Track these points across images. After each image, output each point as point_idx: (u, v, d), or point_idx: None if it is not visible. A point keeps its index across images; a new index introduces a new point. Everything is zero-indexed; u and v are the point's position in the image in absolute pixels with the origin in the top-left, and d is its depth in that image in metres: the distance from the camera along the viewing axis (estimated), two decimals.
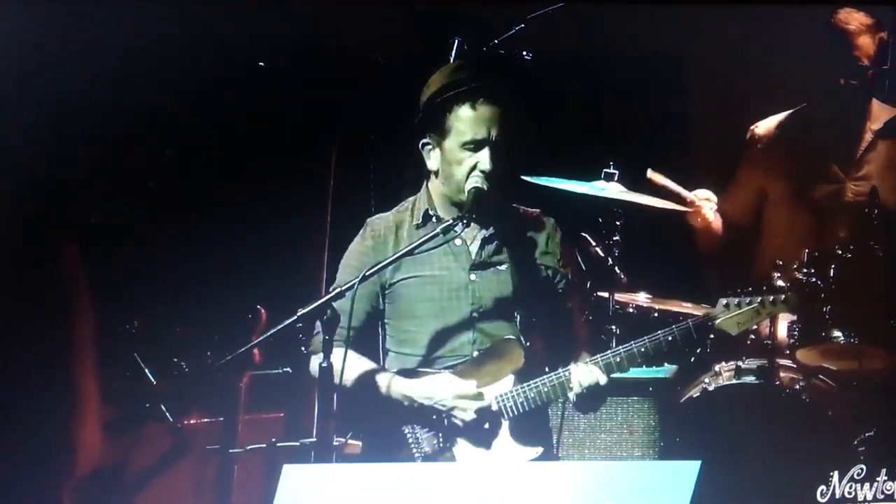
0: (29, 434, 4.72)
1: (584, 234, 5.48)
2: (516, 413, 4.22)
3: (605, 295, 5.36)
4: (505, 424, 4.21)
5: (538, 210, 4.48)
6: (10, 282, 5.16)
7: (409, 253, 4.23)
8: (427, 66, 5.82)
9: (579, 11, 5.84)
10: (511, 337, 4.26)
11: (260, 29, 5.94)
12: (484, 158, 4.26)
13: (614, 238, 5.43)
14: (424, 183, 4.43)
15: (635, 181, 5.51)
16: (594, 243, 5.45)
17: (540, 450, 4.24)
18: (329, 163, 5.96)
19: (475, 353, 4.26)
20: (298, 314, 4.13)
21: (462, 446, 4.23)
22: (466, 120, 4.26)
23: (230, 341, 4.67)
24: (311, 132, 5.97)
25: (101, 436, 4.84)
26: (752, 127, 5.52)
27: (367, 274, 4.17)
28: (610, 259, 5.39)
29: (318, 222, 5.93)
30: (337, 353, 4.19)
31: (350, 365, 4.21)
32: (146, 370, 5.23)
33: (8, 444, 4.71)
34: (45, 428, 4.69)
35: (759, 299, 4.25)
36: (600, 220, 5.45)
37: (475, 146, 4.27)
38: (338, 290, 4.16)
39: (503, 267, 4.32)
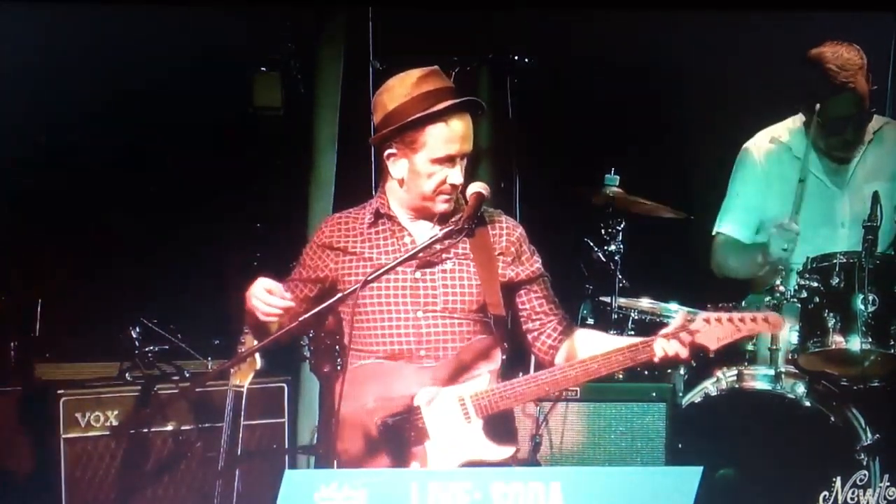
0: None
1: (586, 239, 5.48)
2: (490, 412, 4.19)
3: (608, 300, 5.36)
4: (478, 423, 4.19)
5: (500, 210, 4.41)
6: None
7: (416, 255, 4.21)
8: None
9: (582, 17, 5.85)
10: (487, 337, 4.24)
11: (262, 33, 5.95)
12: (454, 173, 4.21)
13: (616, 243, 5.43)
14: (382, 183, 4.36)
15: (636, 186, 5.51)
16: (596, 248, 5.44)
17: (512, 450, 4.22)
18: (331, 168, 5.97)
19: (448, 354, 4.22)
20: (300, 319, 4.12)
21: (435, 441, 4.20)
22: (439, 137, 4.18)
23: (231, 346, 4.66)
24: (312, 137, 5.98)
25: None
26: (745, 144, 5.49)
27: (369, 279, 4.15)
28: (612, 264, 5.39)
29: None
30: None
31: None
32: (147, 375, 5.23)
33: None
34: None
35: (740, 316, 4.18)
36: (602, 225, 5.45)
37: (446, 161, 4.21)
38: (338, 296, 4.16)
39: (450, 265, 4.27)
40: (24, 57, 5.70)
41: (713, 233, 5.48)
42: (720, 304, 4.20)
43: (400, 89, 4.21)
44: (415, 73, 4.23)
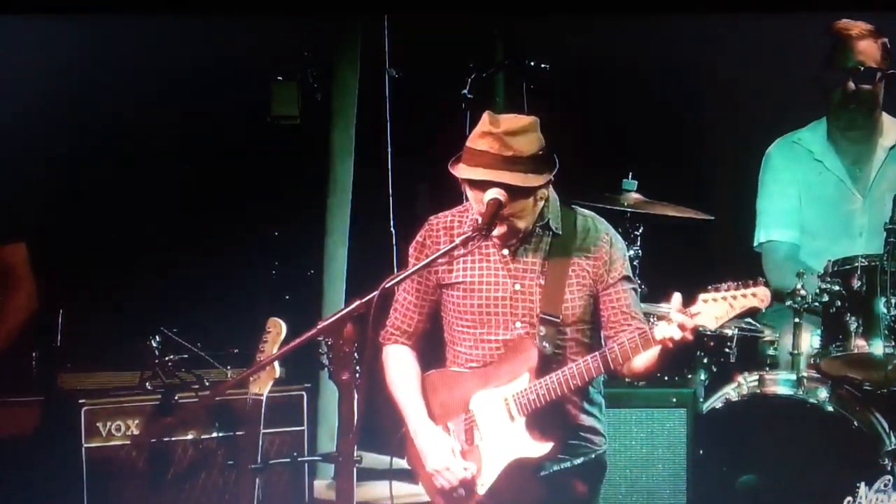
0: None
1: None
2: (531, 410, 4.25)
3: None
4: (521, 421, 4.26)
5: (594, 215, 4.44)
6: None
7: (435, 261, 4.28)
8: (439, 78, 5.84)
9: (601, 23, 5.85)
10: (524, 334, 4.30)
11: (279, 42, 5.97)
12: (499, 229, 4.28)
13: (635, 248, 5.42)
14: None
15: (655, 191, 5.50)
16: None
17: (550, 445, 4.26)
18: (348, 176, 5.99)
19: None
20: (318, 327, 4.13)
21: (487, 442, 4.30)
22: (472, 196, 4.27)
23: (250, 355, 4.68)
24: (329, 145, 6.00)
25: None
26: (768, 150, 5.48)
27: (387, 286, 4.17)
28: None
29: (339, 236, 5.95)
30: (390, 351, 4.41)
31: (401, 374, 4.39)
32: (168, 384, 5.25)
33: None
34: None
35: (732, 294, 4.15)
36: (620, 230, 5.44)
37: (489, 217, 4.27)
38: (357, 303, 4.16)
39: (545, 276, 4.34)
40: (48, 67, 5.74)
41: (755, 245, 5.47)
42: (709, 286, 4.20)
43: (474, 132, 4.26)
44: (485, 124, 4.24)
